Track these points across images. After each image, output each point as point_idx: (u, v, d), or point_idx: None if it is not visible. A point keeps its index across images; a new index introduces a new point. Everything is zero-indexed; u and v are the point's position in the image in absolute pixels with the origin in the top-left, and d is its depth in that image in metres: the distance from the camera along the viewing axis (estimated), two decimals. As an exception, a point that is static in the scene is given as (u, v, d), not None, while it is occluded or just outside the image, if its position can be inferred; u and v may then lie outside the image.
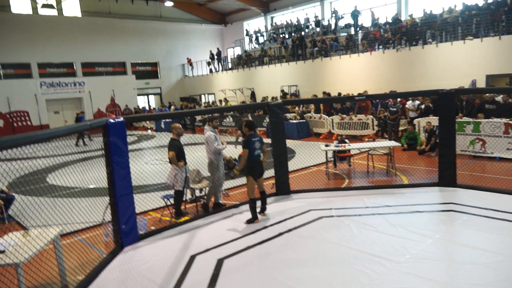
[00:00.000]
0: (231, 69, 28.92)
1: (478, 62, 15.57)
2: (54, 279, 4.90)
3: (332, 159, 10.47)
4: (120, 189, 5.79)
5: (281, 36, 26.95)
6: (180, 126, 7.37)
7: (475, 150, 10.58)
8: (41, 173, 12.00)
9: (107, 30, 28.43)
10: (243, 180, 9.39)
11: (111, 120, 5.71)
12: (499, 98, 11.94)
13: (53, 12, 26.80)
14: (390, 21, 20.05)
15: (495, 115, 10.83)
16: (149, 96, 32.16)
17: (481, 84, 15.46)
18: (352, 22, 23.09)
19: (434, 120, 11.32)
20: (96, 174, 6.52)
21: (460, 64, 16.00)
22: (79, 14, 27.79)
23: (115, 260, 5.52)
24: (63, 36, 26.66)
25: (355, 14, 22.69)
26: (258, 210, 6.83)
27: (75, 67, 27.67)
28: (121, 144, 5.80)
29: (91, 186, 9.07)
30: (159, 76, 31.92)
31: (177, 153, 7.00)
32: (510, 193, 7.22)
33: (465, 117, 11.22)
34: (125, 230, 5.92)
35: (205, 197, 7.65)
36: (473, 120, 10.71)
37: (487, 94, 11.67)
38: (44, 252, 5.10)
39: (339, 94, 17.86)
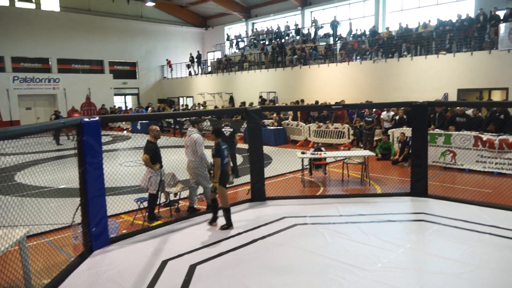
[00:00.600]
0: (210, 73, 28.84)
1: (451, 76, 16.05)
2: (18, 282, 4.73)
3: (308, 166, 10.54)
4: (92, 190, 5.65)
5: (261, 42, 27.08)
6: (158, 128, 7.29)
7: (446, 162, 10.87)
8: (9, 170, 11.61)
9: (85, 27, 27.87)
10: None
11: (86, 119, 5.59)
12: (470, 111, 12.33)
13: (31, 6, 26.17)
14: (368, 33, 20.45)
15: (465, 128, 11.17)
16: (126, 96, 31.69)
17: (453, 97, 15.94)
18: (331, 32, 23.45)
19: (407, 131, 11.57)
20: (67, 174, 6.34)
21: (433, 78, 16.45)
22: (57, 9, 27.20)
23: (84, 264, 5.37)
24: (40, 30, 25.98)
25: (334, 25, 23.06)
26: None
27: (50, 63, 27.00)
28: (95, 144, 5.68)
29: (62, 186, 8.84)
30: (137, 76, 31.51)
31: (152, 156, 6.90)
32: (479, 204, 7.43)
33: (437, 129, 11.52)
34: (95, 233, 5.77)
35: (204, 199, 7.71)
36: (445, 132, 11.01)
37: (458, 108, 12.01)
38: (8, 253, 4.91)
39: (316, 102, 18.06)
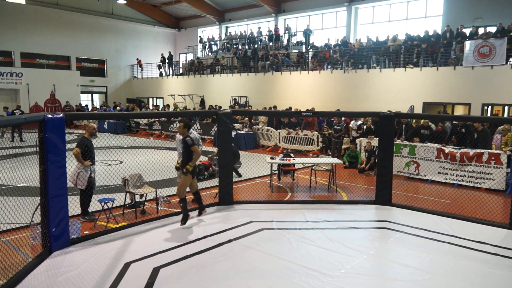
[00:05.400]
0: (182, 74, 28.56)
1: (417, 89, 16.59)
2: (-31, 283, 4.49)
3: (276, 172, 10.59)
4: (53, 189, 5.46)
5: (234, 46, 27.10)
6: (95, 126, 7.17)
7: (410, 172, 11.18)
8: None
9: (52, 21, 26.96)
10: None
11: (49, 116, 5.41)
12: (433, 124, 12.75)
13: (-5, -3, 25.10)
14: (340, 43, 20.86)
15: (429, 140, 11.55)
16: (94, 94, 30.84)
17: (418, 110, 16.46)
18: (304, 40, 23.77)
19: (374, 141, 11.84)
20: (28, 172, 6.10)
21: (400, 90, 16.95)
22: (23, 2, 26.20)
23: (42, 265, 5.17)
24: (3, 23, 24.87)
25: (307, 33, 23.39)
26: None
27: (13, 57, 25.93)
28: (58, 141, 5.50)
29: (21, 185, 8.49)
30: (106, 74, 30.75)
31: (83, 152, 6.79)
32: (439, 214, 7.68)
33: (402, 140, 11.82)
34: (55, 234, 5.57)
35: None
36: (409, 143, 11.34)
37: (423, 120, 12.41)
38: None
39: (290, 108, 18.27)
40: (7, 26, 25.07)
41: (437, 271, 5.19)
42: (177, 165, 7.20)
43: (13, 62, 25.87)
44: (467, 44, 15.14)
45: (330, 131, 14.32)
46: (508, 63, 14.41)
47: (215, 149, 10.54)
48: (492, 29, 15.44)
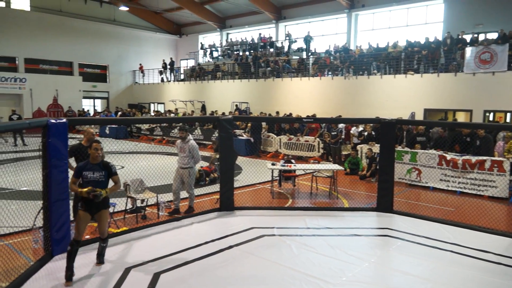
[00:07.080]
0: (183, 80, 28.66)
1: (418, 95, 16.60)
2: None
3: (277, 178, 10.59)
4: (55, 193, 5.47)
5: (235, 52, 27.21)
6: (93, 132, 7.17)
7: (411, 179, 11.15)
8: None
9: (55, 28, 27.17)
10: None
11: (52, 121, 5.44)
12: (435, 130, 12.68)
13: (0, 4, 25.32)
14: (340, 49, 20.92)
15: (427, 147, 11.48)
16: (96, 99, 30.97)
17: (420, 116, 16.46)
18: (304, 46, 23.86)
19: (375, 147, 11.83)
20: (30, 176, 6.11)
21: (401, 96, 16.97)
22: (27, 8, 26.44)
23: (43, 269, 5.17)
24: (8, 29, 25.08)
25: (307, 40, 23.49)
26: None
27: (17, 62, 26.09)
28: (61, 146, 5.52)
29: (24, 188, 8.50)
30: (107, 80, 30.89)
31: (75, 159, 6.67)
32: (442, 222, 7.63)
33: (403, 147, 11.79)
34: (57, 238, 5.57)
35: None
36: (411, 150, 11.32)
37: (420, 127, 12.37)
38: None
39: (290, 114, 18.29)
40: (12, 32, 25.26)
41: (438, 279, 5.16)
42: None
43: (17, 67, 26.04)
44: (468, 50, 15.16)
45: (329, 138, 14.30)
46: (510, 69, 14.41)
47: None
48: (493, 35, 15.45)
